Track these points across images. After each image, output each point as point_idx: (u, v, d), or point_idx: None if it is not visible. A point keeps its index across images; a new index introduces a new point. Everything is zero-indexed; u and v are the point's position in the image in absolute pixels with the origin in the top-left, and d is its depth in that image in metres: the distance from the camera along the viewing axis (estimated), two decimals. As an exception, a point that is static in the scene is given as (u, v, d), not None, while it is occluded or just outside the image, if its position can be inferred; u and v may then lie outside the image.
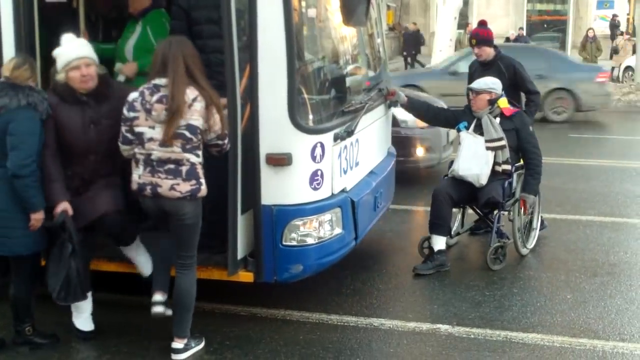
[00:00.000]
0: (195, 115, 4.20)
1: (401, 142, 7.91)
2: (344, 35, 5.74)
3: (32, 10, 4.94)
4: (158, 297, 4.55)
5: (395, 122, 7.97)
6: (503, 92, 6.42)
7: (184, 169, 4.26)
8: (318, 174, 4.78)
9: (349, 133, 5.10)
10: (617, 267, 6.33)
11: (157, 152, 4.23)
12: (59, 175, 4.44)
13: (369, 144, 5.81)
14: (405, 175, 8.09)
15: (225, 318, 5.17)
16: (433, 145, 9.11)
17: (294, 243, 4.79)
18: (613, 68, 22.82)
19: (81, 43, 4.59)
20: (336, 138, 4.94)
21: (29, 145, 4.27)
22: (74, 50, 4.46)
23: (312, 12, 5.29)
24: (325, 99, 5.19)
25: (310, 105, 4.85)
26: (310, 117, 4.82)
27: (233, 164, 4.58)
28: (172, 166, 4.25)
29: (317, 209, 4.82)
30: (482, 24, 7.24)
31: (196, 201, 4.35)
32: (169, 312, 4.56)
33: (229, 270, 4.72)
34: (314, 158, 4.73)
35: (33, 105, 4.31)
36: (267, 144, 4.61)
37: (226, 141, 4.40)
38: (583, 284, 5.92)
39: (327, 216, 4.90)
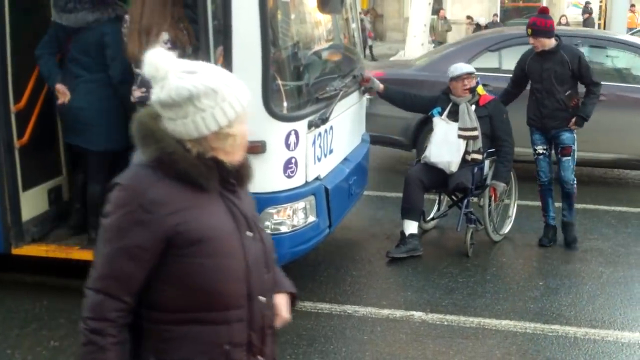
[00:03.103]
0: None
1: None
2: (319, 21, 5.70)
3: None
4: None
5: None
6: (479, 80, 6.44)
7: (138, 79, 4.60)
8: (292, 161, 4.75)
9: (324, 120, 5.06)
10: (589, 253, 6.39)
11: None
12: None
13: (343, 130, 5.78)
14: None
15: (198, 306, 5.13)
16: None
17: (268, 231, 4.74)
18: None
19: None
20: (310, 125, 4.90)
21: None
22: None
23: (286, -2, 5.25)
24: (299, 85, 5.15)
25: (284, 92, 4.80)
26: (285, 104, 4.77)
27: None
28: None
29: (291, 197, 4.79)
30: (543, 12, 6.45)
31: None
32: None
33: None
34: (287, 146, 4.70)
35: (121, 18, 4.80)
36: (240, 131, 4.56)
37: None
38: (555, 271, 5.98)
39: (301, 204, 4.87)
